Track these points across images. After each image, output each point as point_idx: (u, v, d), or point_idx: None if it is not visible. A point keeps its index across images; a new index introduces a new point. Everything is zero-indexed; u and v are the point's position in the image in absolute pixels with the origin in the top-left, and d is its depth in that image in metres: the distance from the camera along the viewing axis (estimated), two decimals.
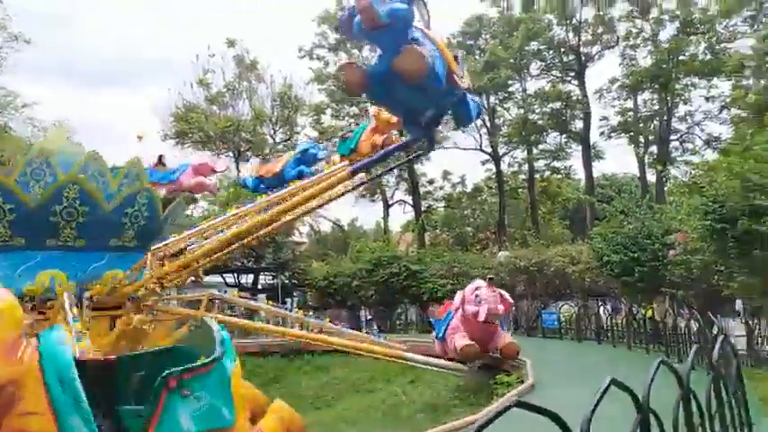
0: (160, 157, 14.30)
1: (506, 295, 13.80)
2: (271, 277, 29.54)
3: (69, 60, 68.70)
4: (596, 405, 2.59)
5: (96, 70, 68.42)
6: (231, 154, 34.47)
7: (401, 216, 41.43)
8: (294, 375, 19.90)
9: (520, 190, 40.57)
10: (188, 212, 22.74)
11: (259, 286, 29.19)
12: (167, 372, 4.01)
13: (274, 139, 36.01)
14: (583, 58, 34.65)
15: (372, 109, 12.64)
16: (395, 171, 38.57)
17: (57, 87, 63.86)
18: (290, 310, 15.92)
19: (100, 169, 9.98)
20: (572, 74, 35.51)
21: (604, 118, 35.28)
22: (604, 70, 53.45)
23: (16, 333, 3.56)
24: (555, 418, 2.41)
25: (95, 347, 8.47)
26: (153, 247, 10.78)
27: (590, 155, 35.22)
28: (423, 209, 37.88)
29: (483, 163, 37.86)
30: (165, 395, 3.94)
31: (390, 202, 39.20)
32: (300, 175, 13.10)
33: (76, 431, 3.51)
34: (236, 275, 28.56)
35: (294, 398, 12.14)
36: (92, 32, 67.47)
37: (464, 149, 37.27)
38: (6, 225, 9.57)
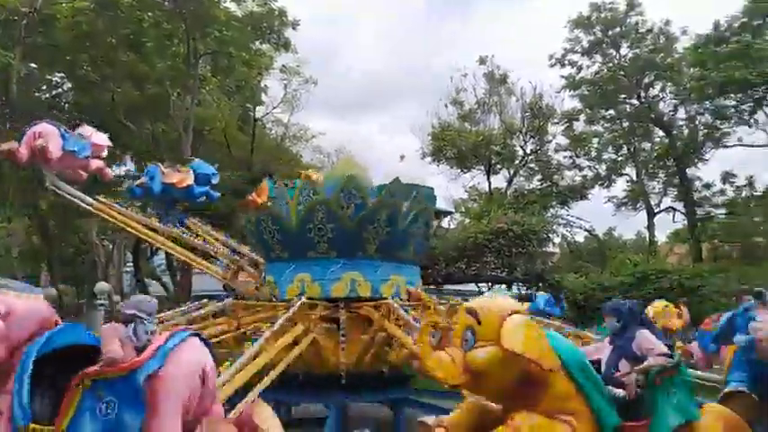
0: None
1: None
2: (524, 288, 29.33)
3: (332, 92, 77.47)
4: None
5: (354, 98, 76.27)
6: (482, 167, 35.52)
7: (668, 225, 36.84)
8: None
9: None
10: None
11: None
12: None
13: (525, 150, 35.97)
14: None
15: None
16: (661, 176, 34.90)
17: (326, 118, 73.38)
18: None
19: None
20: None
21: None
22: None
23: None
24: None
25: None
26: None
27: None
28: (698, 216, 33.15)
29: None
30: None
31: (656, 210, 35.30)
32: (210, 198, 11.91)
33: (605, 409, 4.41)
34: (489, 285, 29.21)
35: None
36: (350, 59, 75.33)
37: (751, 146, 31.48)
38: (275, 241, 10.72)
